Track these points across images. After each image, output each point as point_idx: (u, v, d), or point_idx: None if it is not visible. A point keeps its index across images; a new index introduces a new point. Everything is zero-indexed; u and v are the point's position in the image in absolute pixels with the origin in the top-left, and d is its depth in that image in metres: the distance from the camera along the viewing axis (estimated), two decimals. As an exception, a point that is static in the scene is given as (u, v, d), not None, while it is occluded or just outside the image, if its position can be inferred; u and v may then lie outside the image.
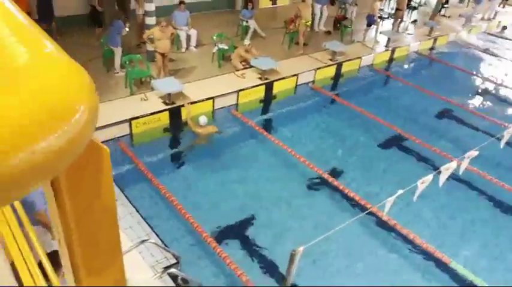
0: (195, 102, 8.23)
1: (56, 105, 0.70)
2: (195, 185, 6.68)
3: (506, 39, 15.72)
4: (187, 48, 10.51)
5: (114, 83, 8.69)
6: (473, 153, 6.16)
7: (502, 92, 11.29)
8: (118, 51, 8.84)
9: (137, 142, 7.58)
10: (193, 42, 10.54)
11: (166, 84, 8.22)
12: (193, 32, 10.46)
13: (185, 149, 7.62)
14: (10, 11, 0.75)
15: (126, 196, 5.96)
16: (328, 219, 6.04)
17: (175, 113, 8.04)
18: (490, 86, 11.53)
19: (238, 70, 9.58)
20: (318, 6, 12.23)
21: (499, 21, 16.75)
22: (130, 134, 7.56)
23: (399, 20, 13.52)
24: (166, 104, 8.03)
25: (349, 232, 5.26)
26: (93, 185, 1.10)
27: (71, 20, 10.76)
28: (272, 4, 14.96)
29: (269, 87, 9.47)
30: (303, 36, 11.10)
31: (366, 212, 4.87)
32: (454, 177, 6.21)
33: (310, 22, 10.96)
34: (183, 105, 8.03)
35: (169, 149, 7.70)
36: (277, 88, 9.61)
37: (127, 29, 8.87)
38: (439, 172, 5.54)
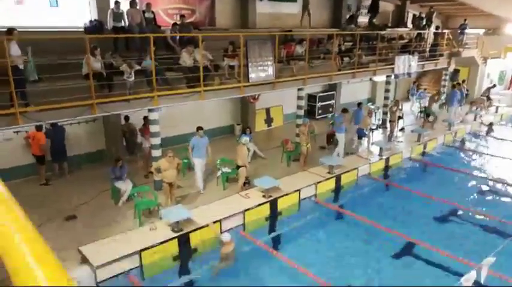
0: (202, 227, 8.35)
1: None
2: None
3: (492, 137, 16.61)
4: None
5: (122, 215, 8.90)
6: (491, 259, 6.10)
7: (500, 188, 11.54)
8: (125, 186, 9.26)
9: (148, 274, 7.47)
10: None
11: (174, 213, 8.42)
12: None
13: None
14: None
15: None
16: None
17: (184, 240, 8.10)
18: (489, 184, 11.82)
19: (242, 190, 9.91)
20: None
21: (481, 121, 17.87)
22: (141, 266, 7.49)
23: (391, 130, 14.53)
24: (175, 231, 8.13)
25: None
26: None
27: (83, 158, 11.45)
28: (267, 127, 16.07)
29: (273, 204, 9.70)
30: (304, 158, 11.72)
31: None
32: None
33: (309, 145, 11.69)
34: (192, 231, 8.15)
35: (180, 278, 7.56)
36: (281, 205, 9.83)
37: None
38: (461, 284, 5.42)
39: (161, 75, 9.18)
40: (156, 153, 9.68)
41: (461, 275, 6.14)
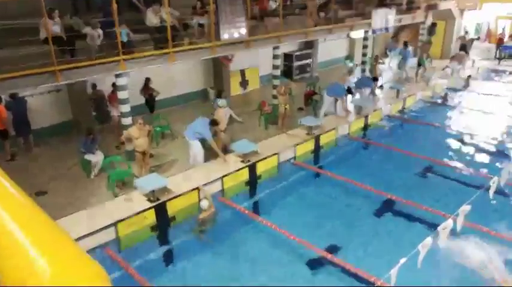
0: (179, 195, 8.11)
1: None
2: (191, 281, 6.33)
3: (468, 91, 16.65)
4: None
5: (95, 188, 8.55)
6: (467, 208, 6.16)
7: (476, 142, 11.61)
8: (96, 158, 8.84)
9: (125, 245, 7.24)
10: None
11: (149, 182, 8.12)
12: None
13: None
14: None
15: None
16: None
17: (161, 210, 7.85)
18: (465, 138, 11.87)
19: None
20: None
21: (459, 76, 17.85)
22: (117, 238, 7.25)
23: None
24: (151, 201, 7.87)
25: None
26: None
27: (49, 131, 10.87)
28: (243, 90, 15.62)
29: (252, 168, 9.49)
30: (282, 120, 11.48)
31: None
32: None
33: (287, 106, 11.41)
34: (169, 200, 7.91)
35: (160, 247, 7.37)
36: (260, 169, 9.64)
37: None
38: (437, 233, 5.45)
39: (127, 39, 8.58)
40: (126, 121, 9.23)
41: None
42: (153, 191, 7.92)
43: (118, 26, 8.14)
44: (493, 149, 11.19)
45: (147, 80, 11.12)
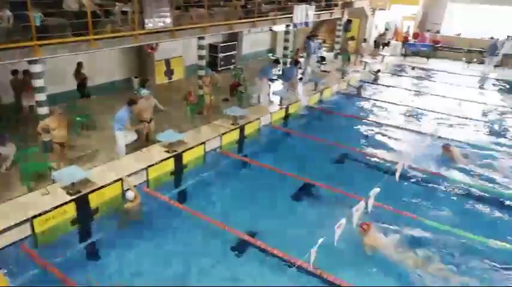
0: (102, 187, 7.91)
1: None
2: (115, 276, 6.25)
3: (378, 84, 18.17)
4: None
5: (6, 182, 7.96)
6: (376, 190, 6.85)
7: (384, 131, 12.79)
8: (6, 151, 8.23)
9: (43, 242, 6.90)
10: None
11: (68, 174, 7.79)
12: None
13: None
14: None
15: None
16: (259, 280, 6.08)
17: (82, 202, 7.59)
18: (375, 127, 13.01)
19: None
20: None
21: (369, 70, 19.35)
22: (33, 235, 6.89)
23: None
24: (71, 194, 7.57)
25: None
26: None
27: None
28: (168, 79, 15.40)
29: (178, 158, 9.52)
30: (208, 110, 11.58)
31: (294, 267, 5.01)
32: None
33: (213, 96, 11.53)
34: (91, 192, 7.68)
35: (80, 242, 7.14)
36: (186, 158, 9.70)
37: None
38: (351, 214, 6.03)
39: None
40: (43, 111, 8.68)
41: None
42: (73, 183, 7.63)
43: (31, 8, 7.61)
44: (399, 136, 12.39)
45: (79, 64, 10.56)
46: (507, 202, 8.74)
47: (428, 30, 24.58)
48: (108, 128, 10.13)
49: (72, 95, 11.55)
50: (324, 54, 20.24)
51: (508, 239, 7.42)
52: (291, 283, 6.05)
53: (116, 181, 8.17)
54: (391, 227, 7.52)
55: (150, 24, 9.78)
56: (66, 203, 7.36)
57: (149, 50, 13.52)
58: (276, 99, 13.69)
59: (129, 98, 9.02)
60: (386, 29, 24.06)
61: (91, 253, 6.85)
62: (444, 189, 9.23)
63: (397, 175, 8.20)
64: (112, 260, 6.61)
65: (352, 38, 19.81)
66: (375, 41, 22.45)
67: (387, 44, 22.88)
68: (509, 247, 7.19)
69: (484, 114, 14.81)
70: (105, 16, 9.44)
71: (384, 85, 18.07)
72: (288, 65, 15.45)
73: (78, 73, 11.07)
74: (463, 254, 6.95)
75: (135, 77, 14.02)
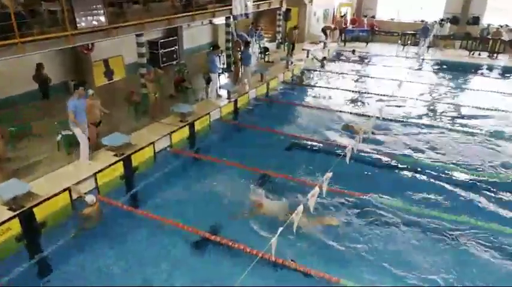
0: (48, 199, 7.44)
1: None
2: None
3: (321, 71, 18.63)
4: None
5: None
6: (328, 175, 6.99)
7: (332, 116, 13.14)
8: None
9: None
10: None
11: (8, 189, 7.24)
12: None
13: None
14: None
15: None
16: (224, 276, 6.04)
17: (27, 217, 7.10)
18: (324, 114, 13.32)
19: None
20: None
21: (313, 57, 19.74)
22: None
23: (235, 72, 14.91)
24: (13, 209, 7.05)
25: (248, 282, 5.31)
26: None
27: None
28: (108, 80, 14.74)
29: (127, 161, 9.17)
30: (154, 107, 11.25)
31: (256, 259, 5.00)
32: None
33: (158, 94, 11.18)
34: (35, 205, 7.20)
35: (29, 259, 6.69)
36: (136, 160, 9.37)
37: None
38: (307, 200, 6.12)
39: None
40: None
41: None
42: (15, 198, 7.11)
43: None
44: (347, 120, 12.76)
45: (39, 65, 10.01)
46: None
47: (365, 16, 25.48)
48: (47, 135, 9.56)
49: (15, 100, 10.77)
50: (267, 44, 20.35)
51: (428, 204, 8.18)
52: (256, 276, 6.07)
53: (63, 190, 7.72)
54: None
55: (82, 23, 9.26)
56: (8, 219, 6.84)
57: (85, 51, 12.85)
58: (223, 92, 13.56)
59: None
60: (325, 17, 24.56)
61: (43, 268, 6.45)
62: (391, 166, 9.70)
63: (347, 158, 8.44)
64: (66, 272, 6.28)
65: (295, 28, 20.04)
66: (323, 29, 22.77)
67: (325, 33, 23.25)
68: (426, 213, 7.86)
69: (422, 93, 15.69)
70: (31, 17, 8.81)
71: (328, 71, 18.52)
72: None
73: (39, 74, 10.30)
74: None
75: (72, 81, 13.24)
